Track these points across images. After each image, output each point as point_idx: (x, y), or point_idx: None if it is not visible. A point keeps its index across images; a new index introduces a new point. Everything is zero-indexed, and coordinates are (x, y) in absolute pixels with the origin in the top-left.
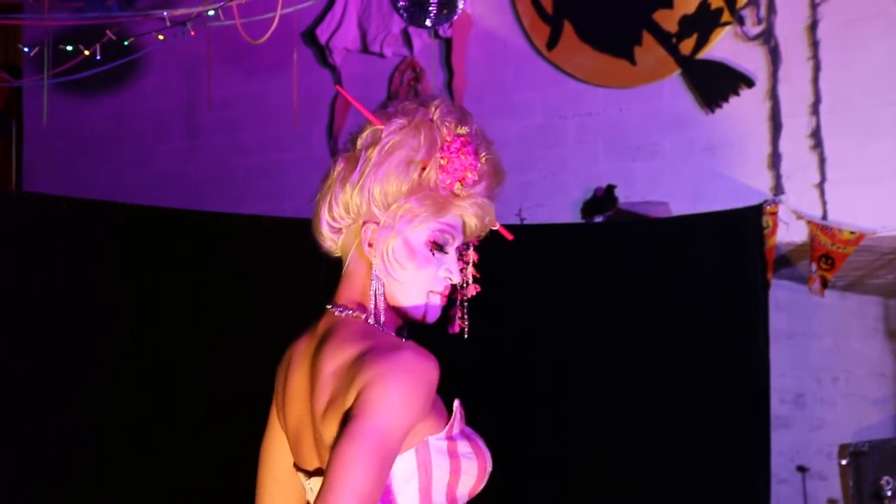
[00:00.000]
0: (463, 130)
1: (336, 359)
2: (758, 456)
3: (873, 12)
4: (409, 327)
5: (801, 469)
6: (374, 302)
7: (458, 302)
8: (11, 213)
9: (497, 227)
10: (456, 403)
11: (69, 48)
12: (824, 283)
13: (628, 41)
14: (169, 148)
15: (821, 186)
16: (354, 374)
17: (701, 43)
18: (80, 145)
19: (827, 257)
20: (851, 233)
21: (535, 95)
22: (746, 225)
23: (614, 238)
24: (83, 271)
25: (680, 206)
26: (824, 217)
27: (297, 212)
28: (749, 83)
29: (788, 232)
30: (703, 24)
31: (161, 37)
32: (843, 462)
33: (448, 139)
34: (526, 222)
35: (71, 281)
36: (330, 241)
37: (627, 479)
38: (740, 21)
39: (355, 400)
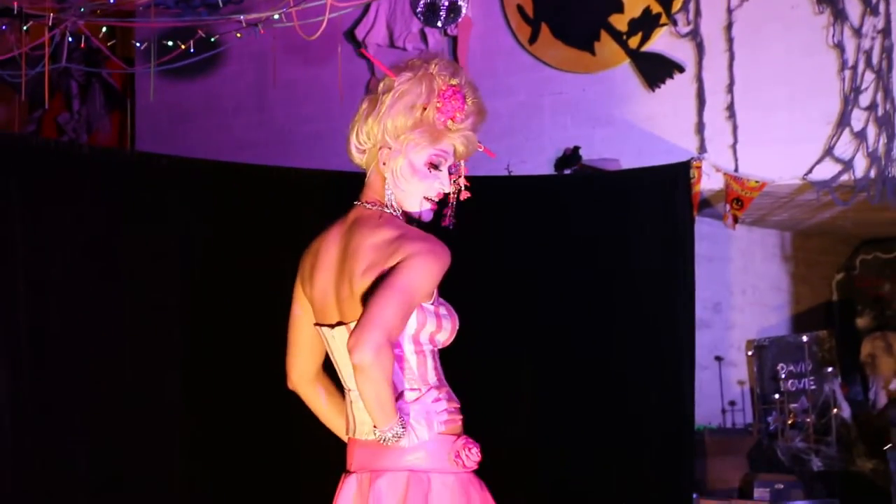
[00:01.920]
0: (454, 81)
1: (375, 235)
2: (686, 348)
3: (774, 16)
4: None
5: (718, 359)
6: (393, 203)
7: (451, 203)
8: (128, 167)
9: (482, 148)
10: None
11: (170, 43)
12: (735, 220)
13: (590, 38)
14: (245, 119)
15: (734, 147)
16: (396, 248)
17: (645, 39)
18: (178, 117)
19: (738, 200)
20: (756, 182)
21: (520, 79)
22: (678, 176)
23: (580, 186)
24: (178, 213)
25: (628, 162)
26: (736, 170)
27: (342, 167)
28: (681, 69)
29: (709, 181)
30: (647, 24)
31: (239, 35)
32: (749, 353)
33: (443, 88)
34: (513, 174)
35: (169, 220)
36: (357, 157)
37: (587, 361)
38: (674, 23)
39: (395, 265)
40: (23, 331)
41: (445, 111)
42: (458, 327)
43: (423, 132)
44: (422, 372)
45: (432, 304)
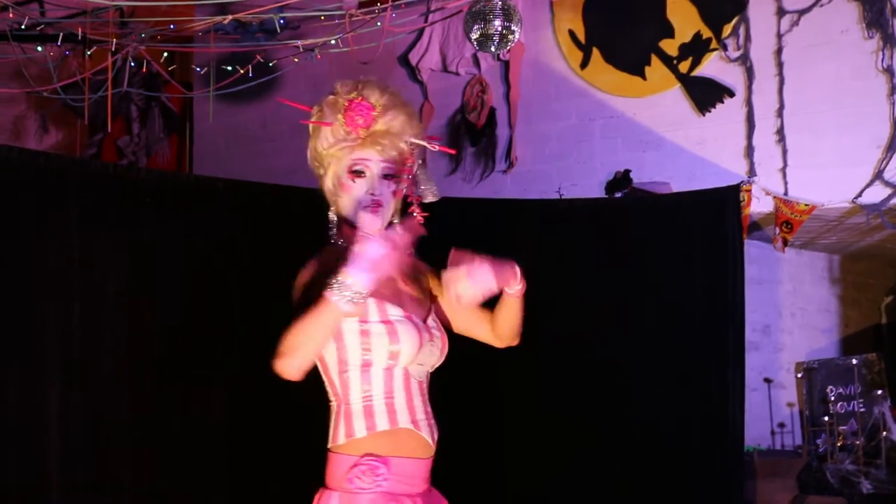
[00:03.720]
0: (352, 95)
1: None
2: (736, 370)
3: (823, 41)
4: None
5: (768, 381)
6: (335, 220)
7: (416, 203)
8: (185, 189)
9: (426, 143)
10: (371, 300)
11: (228, 68)
12: (785, 243)
13: (641, 62)
14: (300, 143)
15: (783, 171)
16: None
17: (695, 64)
18: (236, 140)
19: (787, 223)
20: (805, 205)
21: (571, 103)
22: (728, 199)
23: (630, 209)
24: (234, 234)
25: (678, 185)
26: (786, 193)
27: None
28: (731, 94)
29: (759, 204)
30: (697, 49)
31: (296, 59)
32: (799, 375)
33: (345, 104)
34: (564, 196)
35: (225, 242)
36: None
37: (635, 383)
38: (724, 47)
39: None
40: (76, 350)
41: (350, 122)
42: (401, 348)
43: (338, 147)
44: (345, 391)
45: (357, 321)
